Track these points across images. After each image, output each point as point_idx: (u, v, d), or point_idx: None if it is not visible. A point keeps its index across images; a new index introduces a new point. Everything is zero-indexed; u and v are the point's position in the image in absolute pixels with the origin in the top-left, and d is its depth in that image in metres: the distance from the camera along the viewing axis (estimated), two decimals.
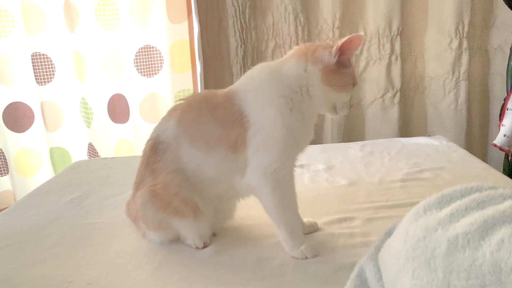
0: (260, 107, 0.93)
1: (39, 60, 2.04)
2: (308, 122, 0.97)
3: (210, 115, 0.95)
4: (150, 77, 2.08)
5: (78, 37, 2.02)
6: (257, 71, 0.99)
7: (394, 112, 2.09)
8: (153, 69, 2.08)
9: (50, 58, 2.06)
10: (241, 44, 2.08)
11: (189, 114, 0.97)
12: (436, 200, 0.64)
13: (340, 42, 0.92)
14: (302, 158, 1.54)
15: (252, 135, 0.91)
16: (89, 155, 2.19)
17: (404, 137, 2.00)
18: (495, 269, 0.51)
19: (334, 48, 0.92)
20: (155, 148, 0.98)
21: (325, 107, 0.98)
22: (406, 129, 2.14)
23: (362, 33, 0.93)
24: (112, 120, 2.14)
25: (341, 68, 0.93)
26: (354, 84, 0.96)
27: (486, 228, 0.55)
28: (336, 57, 0.92)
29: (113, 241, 1.06)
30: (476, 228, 0.56)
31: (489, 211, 0.58)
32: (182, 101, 1.01)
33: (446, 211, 0.61)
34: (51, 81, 2.08)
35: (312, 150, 1.68)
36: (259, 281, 0.85)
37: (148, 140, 1.03)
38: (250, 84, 0.97)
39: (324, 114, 1.02)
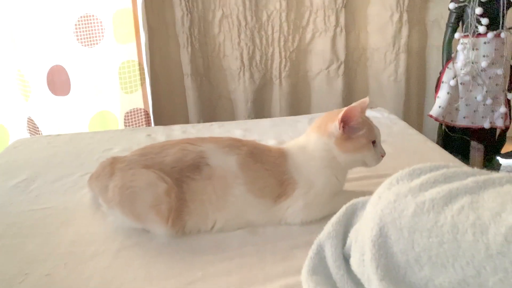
0: (309, 175, 1.01)
1: None
2: (343, 177, 1.07)
3: (272, 170, 1.01)
4: (91, 47, 1.98)
5: (11, 3, 1.86)
6: (296, 148, 1.06)
7: (338, 84, 2.16)
8: (94, 38, 1.98)
9: None
10: (187, 13, 2.03)
11: (254, 164, 1.00)
12: (408, 173, 0.73)
13: (340, 114, 0.98)
14: (254, 134, 1.57)
15: (299, 193, 1.00)
16: (29, 131, 2.08)
17: None
18: (453, 229, 0.60)
19: (337, 122, 1.00)
20: (197, 166, 0.97)
21: (356, 165, 1.06)
22: (350, 101, 2.21)
23: (367, 98, 1.02)
24: (53, 93, 2.03)
25: (353, 133, 1.00)
26: (371, 140, 1.02)
27: (450, 197, 0.64)
28: (341, 128, 0.99)
29: (68, 228, 1.03)
30: (442, 196, 0.64)
31: (454, 184, 0.67)
32: (239, 142, 1.04)
33: (416, 182, 0.70)
34: None
35: (262, 125, 1.71)
36: (219, 262, 0.88)
37: (188, 149, 1.00)
38: (297, 158, 1.04)
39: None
